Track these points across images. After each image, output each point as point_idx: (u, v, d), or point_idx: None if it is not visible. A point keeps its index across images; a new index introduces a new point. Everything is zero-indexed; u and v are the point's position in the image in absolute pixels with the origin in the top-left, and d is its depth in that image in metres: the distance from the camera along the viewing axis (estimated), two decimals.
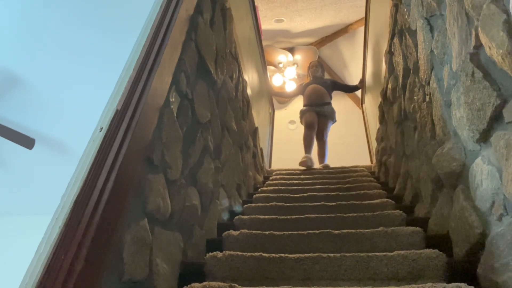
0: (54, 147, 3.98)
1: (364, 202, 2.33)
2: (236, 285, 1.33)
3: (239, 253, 1.53)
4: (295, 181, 3.33)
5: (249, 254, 1.52)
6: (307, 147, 4.42)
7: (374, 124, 4.33)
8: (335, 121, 4.72)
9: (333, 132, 4.94)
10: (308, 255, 1.50)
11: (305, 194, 2.63)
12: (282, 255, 1.51)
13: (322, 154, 4.58)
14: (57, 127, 3.79)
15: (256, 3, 4.39)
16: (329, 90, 4.79)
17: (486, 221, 1.25)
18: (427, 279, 1.36)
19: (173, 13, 1.60)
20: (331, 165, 4.35)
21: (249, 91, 3.67)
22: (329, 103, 4.69)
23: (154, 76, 1.31)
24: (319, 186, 2.93)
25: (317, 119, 4.54)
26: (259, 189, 3.12)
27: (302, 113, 4.72)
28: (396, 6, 2.65)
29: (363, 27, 4.63)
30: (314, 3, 5.73)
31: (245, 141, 3.22)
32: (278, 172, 4.06)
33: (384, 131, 3.53)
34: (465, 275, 1.31)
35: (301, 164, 4.12)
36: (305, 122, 4.60)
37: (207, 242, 1.80)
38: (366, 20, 4.33)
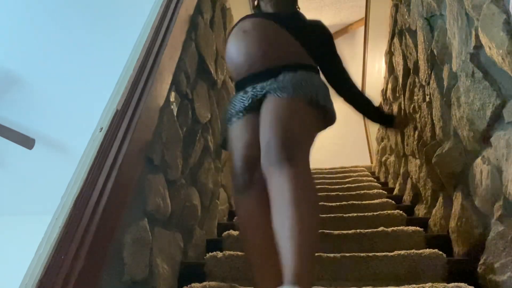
0: (54, 147, 3.97)
1: (364, 202, 2.33)
2: (236, 285, 1.33)
3: (239, 253, 1.53)
4: None
5: None
6: (258, 263, 1.25)
7: (374, 124, 4.31)
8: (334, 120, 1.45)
9: (333, 132, 4.75)
10: None
11: None
12: None
13: (285, 221, 1.06)
14: (57, 127, 3.78)
15: None
16: (309, 44, 1.46)
17: (486, 221, 1.25)
18: (427, 279, 1.36)
19: (173, 13, 1.60)
20: (330, 166, 3.86)
21: None
22: (306, 67, 1.40)
23: (154, 76, 1.32)
24: (319, 186, 2.92)
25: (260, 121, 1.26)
26: None
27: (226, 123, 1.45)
28: (396, 6, 2.65)
29: (363, 27, 4.63)
30: (314, 3, 5.73)
31: None
32: None
33: (384, 131, 3.53)
34: (465, 275, 1.31)
35: None
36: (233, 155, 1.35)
37: (207, 242, 1.80)
38: (366, 20, 4.32)
